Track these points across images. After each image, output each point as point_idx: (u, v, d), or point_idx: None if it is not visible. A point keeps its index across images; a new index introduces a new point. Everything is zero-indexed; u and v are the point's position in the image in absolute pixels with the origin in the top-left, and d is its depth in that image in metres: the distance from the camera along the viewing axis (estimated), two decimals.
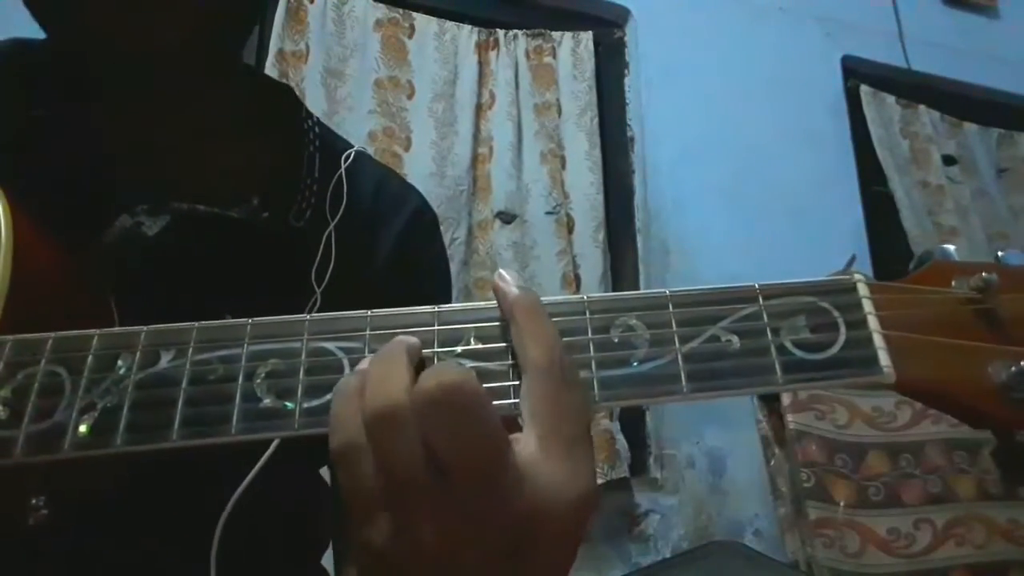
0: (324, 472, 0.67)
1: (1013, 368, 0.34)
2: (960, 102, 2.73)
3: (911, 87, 2.63)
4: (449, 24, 2.10)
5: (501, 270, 0.35)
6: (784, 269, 2.16)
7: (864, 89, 2.54)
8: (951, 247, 0.38)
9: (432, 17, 2.09)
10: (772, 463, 1.78)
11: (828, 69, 2.55)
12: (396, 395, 0.30)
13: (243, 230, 0.53)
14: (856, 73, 2.58)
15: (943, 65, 2.66)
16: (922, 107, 2.62)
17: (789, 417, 1.72)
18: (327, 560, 0.66)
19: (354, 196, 0.62)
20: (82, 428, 0.32)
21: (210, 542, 0.47)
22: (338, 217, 0.59)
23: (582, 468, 0.31)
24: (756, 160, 2.29)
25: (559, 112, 2.13)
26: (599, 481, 1.27)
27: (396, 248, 0.64)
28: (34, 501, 0.44)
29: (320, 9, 1.97)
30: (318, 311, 0.54)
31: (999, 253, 0.38)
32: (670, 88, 2.29)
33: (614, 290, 2.03)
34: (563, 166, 2.08)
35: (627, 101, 2.30)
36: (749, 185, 2.25)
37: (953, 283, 0.37)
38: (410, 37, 2.06)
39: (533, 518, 0.30)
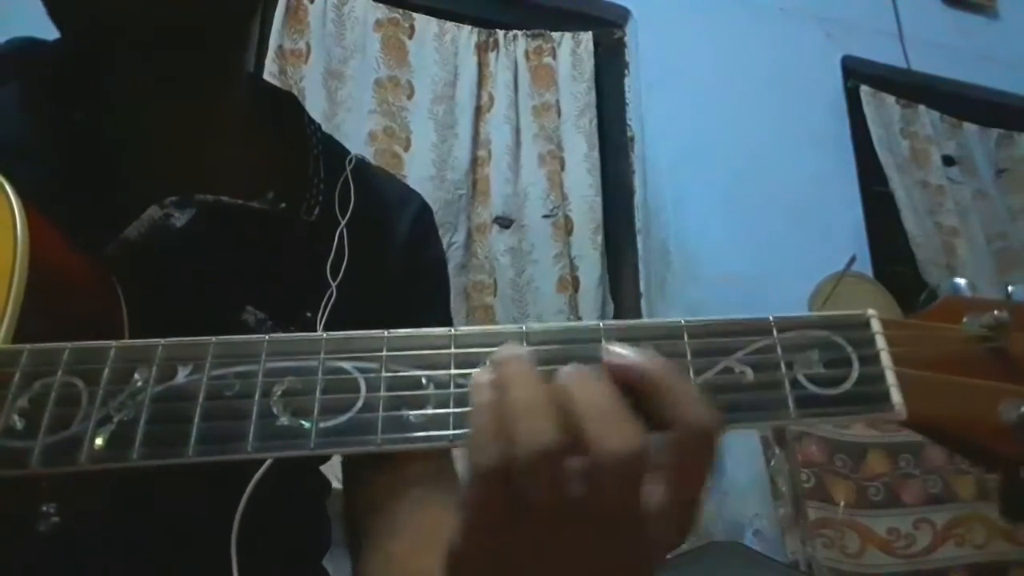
0: (325, 470, 0.68)
1: (1023, 408, 0.34)
2: (960, 102, 2.72)
3: (911, 87, 2.63)
4: (449, 25, 2.10)
5: (609, 344, 0.34)
6: (784, 269, 2.15)
7: (864, 89, 2.54)
8: (962, 281, 0.38)
9: (432, 17, 2.09)
10: (772, 463, 1.78)
11: (828, 69, 2.55)
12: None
13: (265, 221, 0.55)
14: (856, 73, 2.58)
15: (943, 65, 2.66)
16: (922, 107, 2.62)
17: None
18: (327, 561, 0.66)
19: (360, 196, 0.64)
20: (98, 441, 0.32)
21: (216, 546, 0.48)
22: (348, 216, 0.61)
23: (685, 532, 0.33)
24: (756, 160, 2.29)
25: (558, 113, 2.12)
26: None
27: (406, 245, 0.66)
28: (45, 508, 0.44)
29: (320, 9, 1.97)
30: (333, 305, 0.55)
31: (1009, 288, 0.38)
32: (670, 88, 2.29)
33: (613, 291, 2.04)
34: (562, 168, 2.07)
35: (627, 101, 2.30)
36: (749, 185, 2.25)
37: (965, 319, 0.37)
38: (410, 37, 2.05)
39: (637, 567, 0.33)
